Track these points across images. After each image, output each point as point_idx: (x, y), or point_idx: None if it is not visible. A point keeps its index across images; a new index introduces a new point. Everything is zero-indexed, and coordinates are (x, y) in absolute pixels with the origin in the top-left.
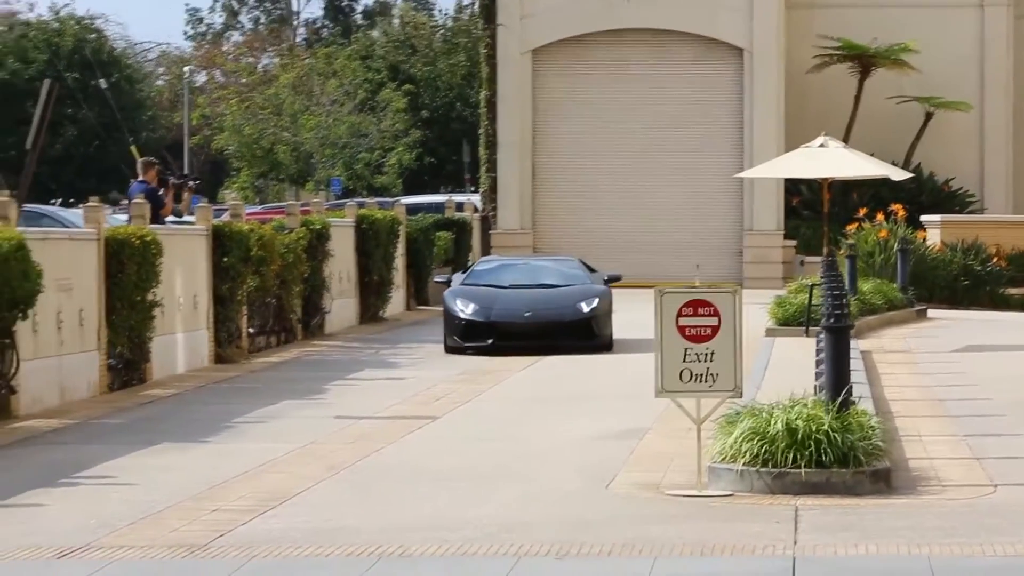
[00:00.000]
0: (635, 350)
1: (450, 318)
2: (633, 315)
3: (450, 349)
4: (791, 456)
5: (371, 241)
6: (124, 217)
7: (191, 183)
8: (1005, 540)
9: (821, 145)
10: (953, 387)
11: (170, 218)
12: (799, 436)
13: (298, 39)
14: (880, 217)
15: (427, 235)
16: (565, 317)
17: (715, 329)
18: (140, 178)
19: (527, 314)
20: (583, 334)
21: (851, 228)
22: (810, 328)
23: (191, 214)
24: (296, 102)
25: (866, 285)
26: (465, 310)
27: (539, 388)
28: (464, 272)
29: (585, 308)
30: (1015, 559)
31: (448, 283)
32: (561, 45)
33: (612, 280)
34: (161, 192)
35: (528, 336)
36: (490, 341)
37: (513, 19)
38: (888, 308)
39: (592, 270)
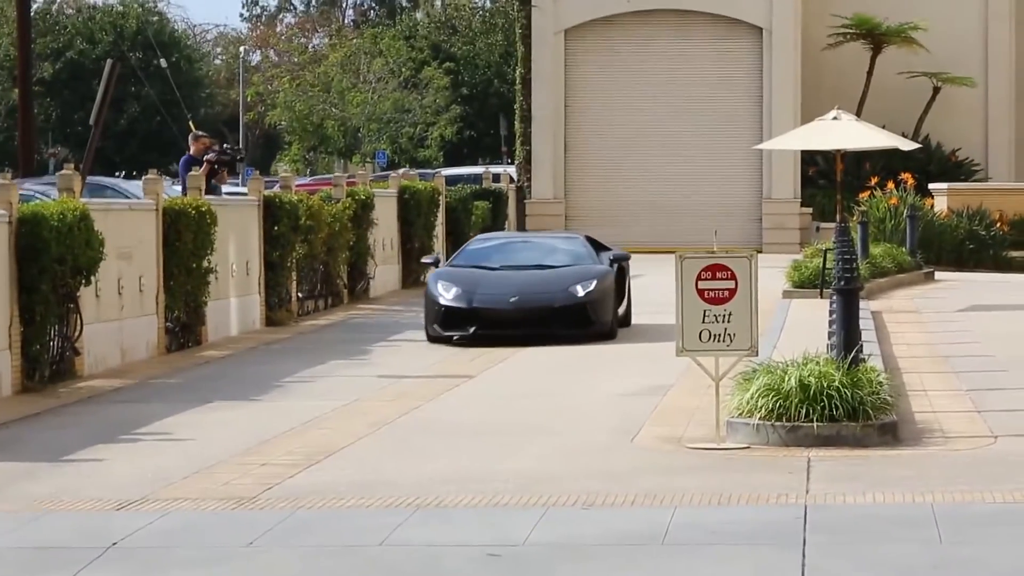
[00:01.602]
0: (646, 337)
1: (429, 304)
2: (650, 292)
3: (431, 339)
4: (804, 411)
5: (413, 210)
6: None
7: (227, 157)
8: (1004, 488)
9: (835, 118)
10: (957, 344)
11: (177, 188)
12: (811, 392)
13: (346, 20)
14: (890, 186)
15: (465, 205)
16: (556, 302)
17: (732, 292)
18: (190, 151)
19: (513, 299)
20: (577, 321)
21: (863, 196)
22: (824, 290)
23: (242, 184)
24: (344, 80)
25: (877, 249)
26: (445, 295)
27: (572, 348)
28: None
29: (580, 292)
30: (1013, 505)
31: (436, 264)
32: (591, 25)
33: (619, 260)
34: (208, 159)
35: (515, 324)
36: (472, 329)
37: (546, 1)
38: (898, 271)
39: (604, 248)
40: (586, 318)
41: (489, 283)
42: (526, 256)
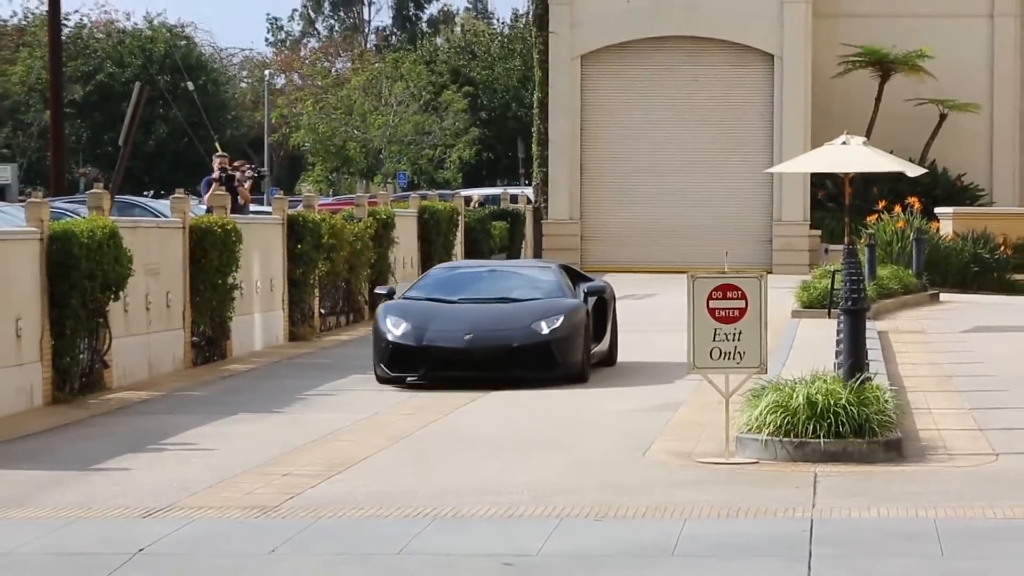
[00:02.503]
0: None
1: (376, 340)
2: (661, 313)
3: (380, 379)
4: (811, 427)
5: (433, 230)
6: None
7: (249, 174)
8: (1005, 504)
9: (844, 143)
10: (961, 364)
11: (203, 207)
12: (819, 409)
13: (368, 45)
14: (897, 209)
15: (484, 225)
16: (515, 340)
17: (742, 311)
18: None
19: (468, 336)
20: (541, 362)
21: (871, 219)
22: (832, 310)
23: (267, 204)
24: (366, 103)
25: (884, 271)
26: (394, 331)
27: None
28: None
29: (544, 329)
30: (1014, 521)
31: (391, 295)
32: (607, 51)
33: (595, 292)
34: (214, 179)
35: (469, 364)
36: (422, 371)
37: (564, 27)
38: (904, 292)
39: (584, 278)
40: (550, 359)
41: (443, 318)
42: (490, 288)
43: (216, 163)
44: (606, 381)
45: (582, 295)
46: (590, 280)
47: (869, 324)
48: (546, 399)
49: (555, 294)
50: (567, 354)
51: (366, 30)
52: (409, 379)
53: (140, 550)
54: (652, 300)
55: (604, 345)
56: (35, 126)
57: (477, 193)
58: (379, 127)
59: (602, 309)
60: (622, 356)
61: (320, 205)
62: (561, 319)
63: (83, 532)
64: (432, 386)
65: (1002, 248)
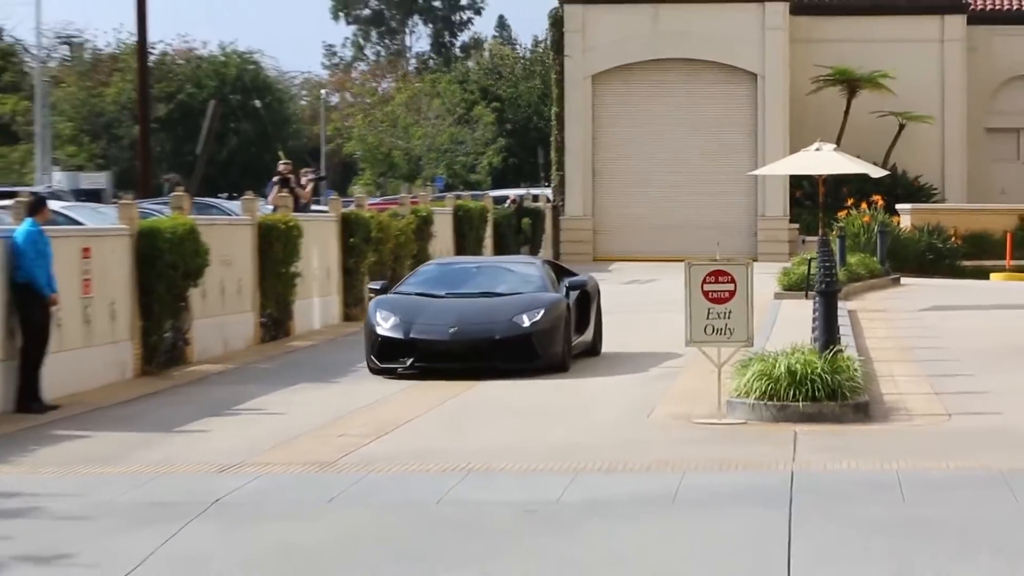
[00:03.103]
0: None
1: (367, 333)
2: (657, 294)
3: (371, 371)
4: (792, 392)
5: (466, 225)
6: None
7: (311, 177)
8: (957, 457)
9: (817, 149)
10: (920, 338)
11: (269, 207)
12: (798, 377)
13: (410, 68)
14: (864, 206)
15: (509, 221)
16: (497, 333)
17: (732, 293)
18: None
19: (452, 330)
20: (522, 354)
21: (842, 214)
22: (809, 292)
23: (322, 204)
24: (408, 117)
25: (853, 259)
26: (383, 324)
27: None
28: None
29: (525, 322)
30: (964, 471)
31: (384, 290)
32: (615, 71)
33: (577, 286)
34: (274, 182)
35: (453, 356)
36: (409, 362)
37: (577, 52)
38: (870, 276)
39: (569, 273)
40: (531, 351)
41: (429, 312)
42: (476, 282)
43: (280, 168)
44: (589, 370)
45: (564, 289)
46: (574, 275)
47: (840, 304)
48: (557, 378)
49: (538, 288)
50: (547, 346)
51: (408, 55)
52: (399, 370)
53: (216, 500)
54: (654, 284)
55: (588, 336)
56: (126, 139)
57: (513, 193)
58: (419, 138)
59: (585, 302)
60: (625, 334)
61: (369, 204)
62: (542, 312)
63: (168, 485)
64: (421, 376)
65: (953, 239)
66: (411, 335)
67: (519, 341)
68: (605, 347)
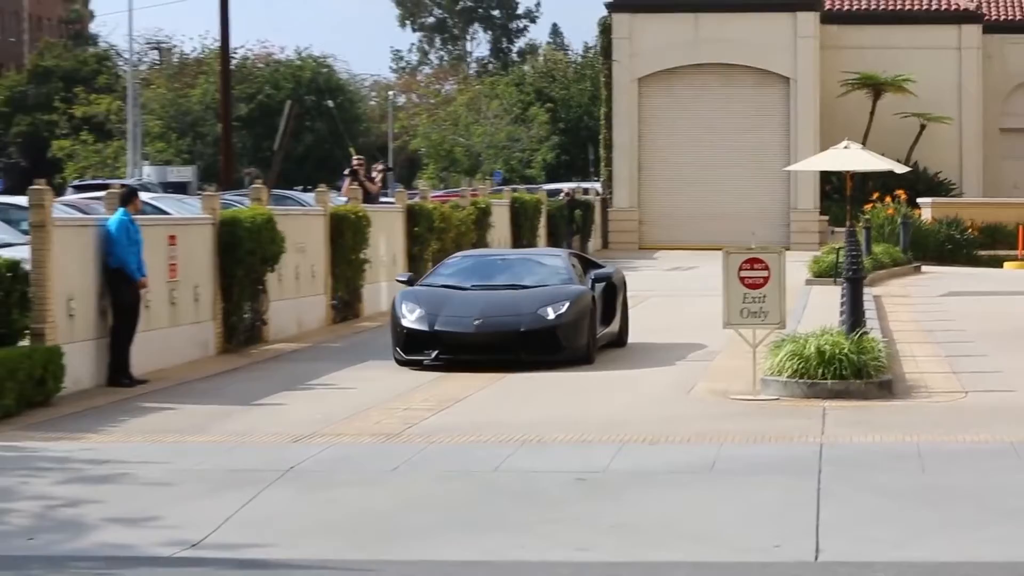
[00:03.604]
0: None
1: (393, 325)
2: (698, 281)
3: (398, 362)
4: (821, 371)
5: (521, 216)
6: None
7: (381, 169)
8: (972, 431)
9: (845, 147)
10: (939, 321)
11: (342, 199)
12: (827, 356)
13: (470, 71)
14: (888, 200)
15: (562, 212)
16: (523, 325)
17: (766, 279)
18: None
19: (477, 322)
20: (546, 346)
21: (867, 207)
22: (837, 279)
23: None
24: (468, 116)
25: (878, 248)
26: (409, 316)
27: (647, 320)
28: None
29: (550, 314)
30: (979, 443)
31: (410, 282)
32: (659, 75)
33: (603, 278)
34: (346, 176)
35: (478, 348)
36: (434, 354)
37: (624, 57)
38: (893, 265)
39: (595, 265)
40: (555, 343)
41: (455, 304)
42: (502, 275)
43: (353, 163)
44: (611, 363)
45: (590, 281)
46: (600, 266)
47: (866, 290)
48: (602, 359)
49: (563, 281)
50: (572, 338)
51: (468, 59)
52: (424, 362)
53: (291, 468)
54: (695, 271)
55: (614, 327)
56: (210, 136)
57: (565, 187)
58: (479, 135)
59: (611, 293)
60: (668, 316)
61: (432, 197)
62: (567, 304)
63: (246, 453)
64: (446, 368)
65: (970, 230)
66: (436, 327)
67: (544, 333)
68: (650, 327)
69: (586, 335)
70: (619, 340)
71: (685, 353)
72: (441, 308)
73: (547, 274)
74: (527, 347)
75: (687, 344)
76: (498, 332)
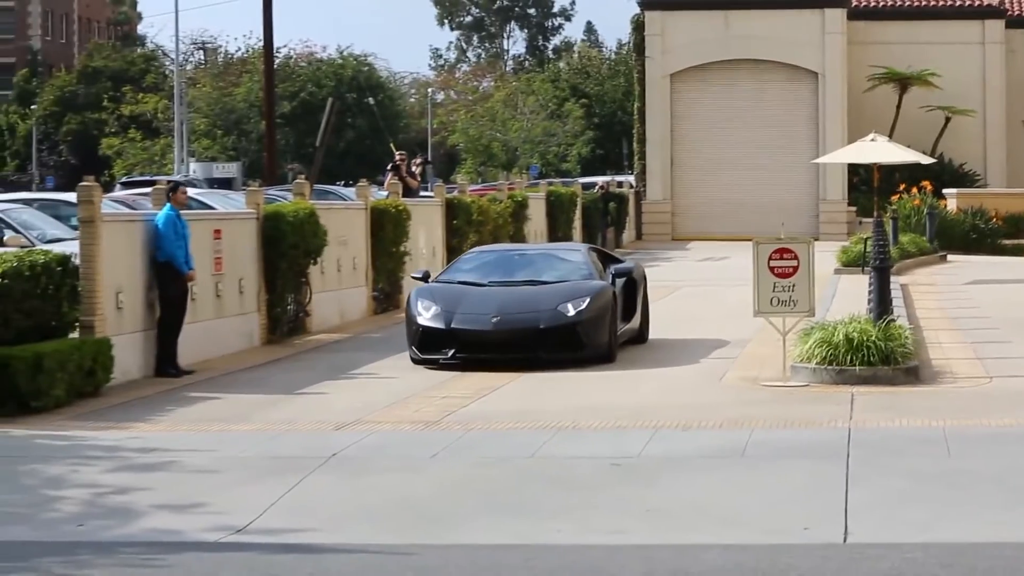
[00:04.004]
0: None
1: (409, 323)
2: (729, 271)
3: (413, 361)
4: (849, 358)
5: (557, 208)
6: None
7: (420, 161)
8: (997, 416)
9: (872, 140)
10: (964, 309)
11: (384, 192)
12: (855, 344)
13: (507, 68)
14: (914, 191)
15: (596, 205)
16: (542, 322)
17: (795, 269)
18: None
19: (495, 319)
20: (567, 343)
21: (894, 198)
22: (864, 268)
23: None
24: (505, 112)
25: (904, 238)
26: (424, 314)
27: (680, 309)
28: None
29: (570, 311)
30: (1003, 428)
31: (425, 279)
32: (690, 71)
33: (623, 273)
34: (389, 171)
35: (496, 347)
36: (451, 352)
37: (656, 53)
38: (920, 254)
39: (614, 260)
40: (576, 341)
41: (471, 301)
42: (519, 270)
43: (396, 158)
44: (632, 361)
45: (610, 276)
46: (620, 261)
47: (893, 279)
48: (626, 355)
49: (583, 276)
50: (593, 335)
51: (505, 57)
52: (440, 360)
53: (333, 454)
54: (726, 261)
55: (635, 323)
56: (254, 133)
57: (600, 180)
58: (516, 131)
59: (632, 289)
60: (696, 306)
61: (471, 190)
62: (587, 301)
63: (290, 441)
64: (463, 367)
65: (994, 220)
66: (452, 325)
67: (564, 331)
68: (682, 316)
69: (607, 332)
70: (640, 336)
71: (717, 341)
72: (457, 305)
73: (567, 269)
74: (546, 345)
75: (719, 332)
76: (516, 330)
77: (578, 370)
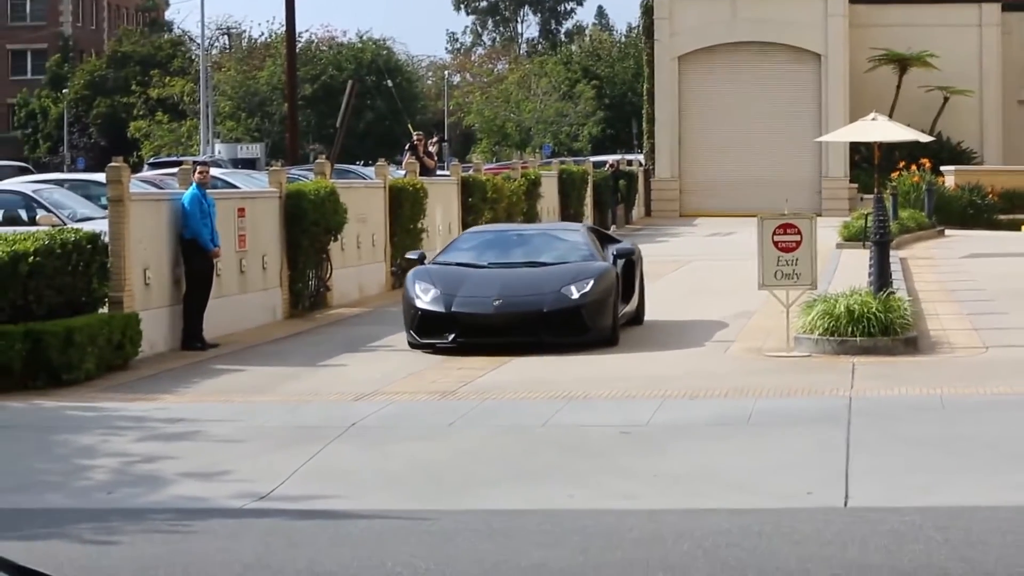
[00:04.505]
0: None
1: (406, 307)
2: (738, 246)
3: (411, 345)
4: (850, 329)
5: (569, 186)
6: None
7: (436, 139)
8: (992, 384)
9: (873, 119)
10: (961, 281)
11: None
12: (856, 315)
13: (521, 51)
14: (914, 168)
15: (607, 182)
16: (546, 305)
17: (798, 243)
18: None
19: (496, 302)
20: (571, 327)
21: (895, 175)
22: (865, 243)
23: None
24: (519, 93)
25: (904, 213)
26: (423, 297)
27: (689, 282)
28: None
29: (574, 293)
30: (999, 395)
31: (422, 260)
32: (698, 53)
33: (624, 255)
34: (407, 151)
35: (498, 330)
36: (451, 337)
37: (665, 36)
38: (919, 229)
39: (612, 240)
40: (580, 324)
41: (472, 284)
42: (519, 251)
43: (414, 139)
44: (634, 344)
45: (611, 257)
46: (618, 241)
47: (892, 253)
48: (638, 328)
49: (584, 257)
50: (597, 318)
51: (519, 40)
52: (439, 345)
53: (353, 424)
54: (732, 236)
55: (632, 305)
56: (277, 115)
57: (610, 159)
58: (529, 112)
59: (630, 270)
60: (703, 279)
61: (485, 169)
62: (591, 283)
63: (312, 411)
64: (463, 352)
65: (990, 196)
66: (453, 308)
67: (568, 314)
68: (690, 288)
69: (611, 315)
70: (636, 318)
71: (723, 314)
72: (458, 288)
73: (567, 250)
74: (550, 328)
75: (725, 305)
76: (519, 313)
77: (585, 352)
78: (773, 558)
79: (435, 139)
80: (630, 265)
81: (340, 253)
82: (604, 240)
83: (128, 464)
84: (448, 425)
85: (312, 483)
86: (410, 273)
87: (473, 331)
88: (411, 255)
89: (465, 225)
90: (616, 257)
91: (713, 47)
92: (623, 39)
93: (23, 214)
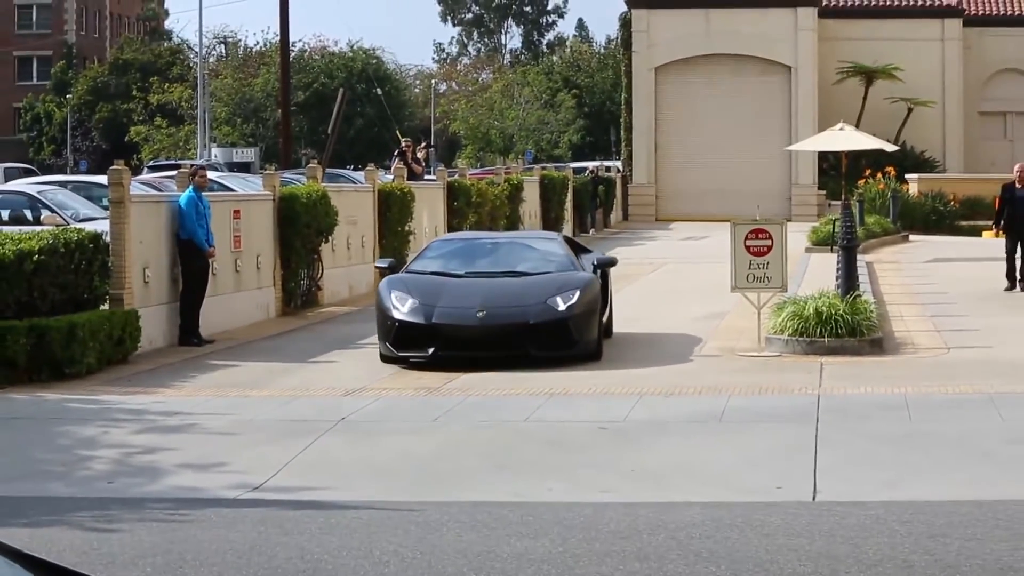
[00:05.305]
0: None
1: (381, 318)
2: (709, 248)
3: (384, 358)
4: (819, 330)
5: (550, 191)
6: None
7: (424, 145)
8: (954, 383)
9: (840, 129)
10: (924, 284)
11: (390, 176)
12: (824, 317)
13: (505, 62)
14: (879, 175)
15: (587, 188)
16: (532, 317)
17: (769, 248)
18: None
19: (480, 314)
20: (557, 340)
21: (861, 182)
22: (833, 247)
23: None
24: (503, 102)
25: (870, 219)
26: (400, 307)
27: (664, 283)
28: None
29: (561, 305)
30: (960, 394)
31: (392, 269)
32: (674, 64)
33: (604, 265)
34: (396, 156)
35: (482, 344)
36: (431, 350)
37: (643, 48)
38: (884, 234)
39: (584, 250)
40: (567, 337)
41: (452, 294)
42: (495, 260)
43: (402, 145)
44: (612, 358)
45: (591, 267)
46: (588, 251)
47: (859, 257)
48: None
49: (562, 267)
50: (584, 332)
51: (503, 51)
52: (413, 359)
53: (342, 418)
54: (705, 240)
55: (605, 316)
56: (271, 121)
57: (590, 165)
58: (512, 119)
59: (605, 281)
60: (678, 281)
61: (470, 174)
62: (577, 294)
63: (302, 406)
64: (443, 367)
65: (952, 203)
66: (434, 320)
67: (555, 326)
68: (666, 289)
69: (596, 328)
70: (607, 330)
71: (697, 314)
72: (437, 298)
73: (544, 260)
74: (537, 342)
75: (699, 306)
76: (504, 325)
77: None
78: (744, 549)
79: (423, 146)
80: (605, 276)
81: (331, 254)
82: (576, 249)
83: (127, 455)
84: (433, 420)
85: (303, 475)
86: (383, 282)
87: (455, 343)
88: (380, 263)
89: (450, 228)
90: (597, 267)
91: (688, 59)
92: (602, 50)
93: (28, 214)
